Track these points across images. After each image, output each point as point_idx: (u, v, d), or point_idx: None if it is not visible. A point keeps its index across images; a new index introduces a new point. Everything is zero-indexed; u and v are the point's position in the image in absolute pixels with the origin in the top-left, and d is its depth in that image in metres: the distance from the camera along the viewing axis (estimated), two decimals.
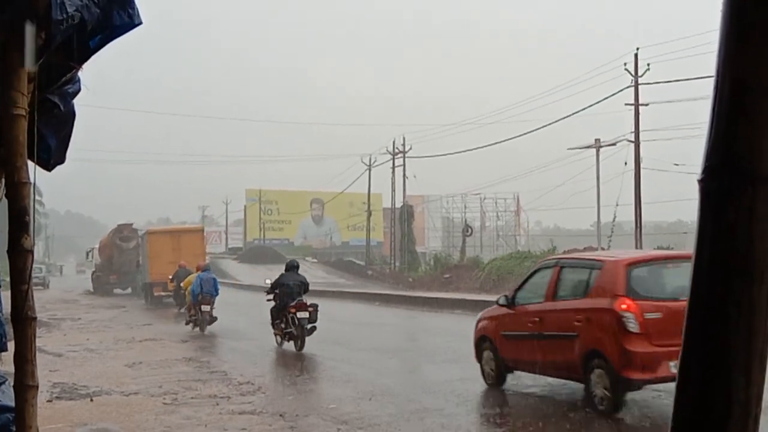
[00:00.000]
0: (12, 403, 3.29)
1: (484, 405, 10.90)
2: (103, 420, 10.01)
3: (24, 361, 3.06)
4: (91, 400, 11.42)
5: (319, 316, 16.94)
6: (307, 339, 16.73)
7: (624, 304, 9.40)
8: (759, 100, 1.14)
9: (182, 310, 26.87)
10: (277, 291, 17.70)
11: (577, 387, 10.30)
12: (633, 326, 9.28)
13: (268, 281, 18.65)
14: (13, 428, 3.20)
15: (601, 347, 9.60)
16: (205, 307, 21.95)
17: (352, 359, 15.43)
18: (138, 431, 9.42)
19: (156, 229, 44.49)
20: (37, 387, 3.09)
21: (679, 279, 9.70)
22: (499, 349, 11.64)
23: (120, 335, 21.39)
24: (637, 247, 31.85)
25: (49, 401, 11.01)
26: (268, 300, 18.06)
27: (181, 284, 26.35)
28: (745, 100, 1.15)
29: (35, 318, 3.14)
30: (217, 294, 22.65)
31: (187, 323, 22.86)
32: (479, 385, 11.71)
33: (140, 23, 3.52)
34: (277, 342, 17.74)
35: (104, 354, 17.35)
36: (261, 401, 11.01)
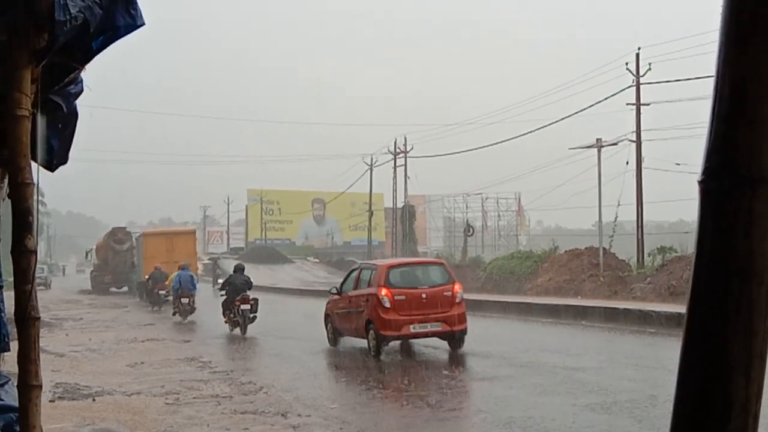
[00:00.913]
0: (16, 403, 3.30)
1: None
2: (105, 420, 10.02)
3: (27, 360, 3.07)
4: (94, 400, 11.43)
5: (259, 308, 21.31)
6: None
7: (383, 291, 15.61)
8: (758, 103, 1.15)
9: (155, 309, 32.10)
10: (227, 288, 21.84)
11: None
12: (387, 304, 15.46)
13: (220, 280, 23.59)
14: (17, 428, 3.21)
15: (372, 317, 15.59)
16: (185, 299, 26.44)
17: (355, 361, 15.45)
18: (140, 431, 9.42)
19: (151, 232, 47.71)
20: (41, 387, 3.10)
21: (417, 275, 16.59)
22: (334, 322, 17.72)
23: (122, 335, 21.42)
24: (639, 247, 31.86)
25: (51, 401, 11.01)
26: (221, 295, 22.31)
27: (165, 282, 31.06)
28: (745, 103, 1.16)
29: (39, 318, 3.14)
30: (194, 288, 27.05)
31: (173, 314, 27.11)
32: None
33: (143, 24, 3.53)
34: (229, 329, 21.61)
35: (106, 354, 17.37)
36: (263, 401, 11.02)
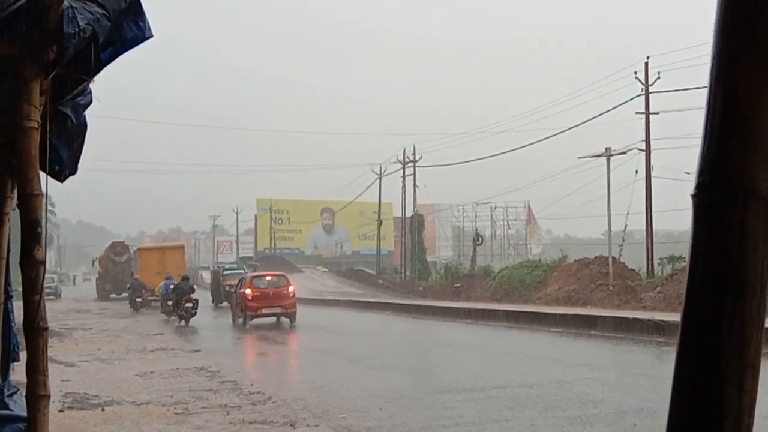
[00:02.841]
0: (24, 413, 3.32)
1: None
2: (114, 430, 10.04)
3: (36, 371, 3.09)
4: (103, 409, 11.45)
5: (199, 308, 29.92)
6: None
7: (248, 289, 27.81)
8: (750, 117, 1.16)
9: (133, 311, 38.50)
10: (177, 291, 29.90)
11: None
12: (250, 296, 27.45)
13: (171, 286, 31.58)
14: None
15: (242, 304, 27.63)
16: (170, 302, 31.81)
17: (364, 374, 15.44)
18: None
19: (145, 246, 58.55)
20: (49, 397, 3.12)
21: (268, 280, 29.01)
22: (234, 307, 29.66)
23: (131, 345, 21.45)
24: (648, 256, 31.79)
25: (60, 411, 11.03)
26: (171, 296, 30.71)
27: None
28: (737, 117, 1.17)
29: (47, 328, 3.16)
30: None
31: (161, 312, 33.50)
32: None
33: (151, 36, 3.55)
34: (176, 321, 29.53)
35: (116, 363, 17.39)
36: (271, 411, 11.01)
